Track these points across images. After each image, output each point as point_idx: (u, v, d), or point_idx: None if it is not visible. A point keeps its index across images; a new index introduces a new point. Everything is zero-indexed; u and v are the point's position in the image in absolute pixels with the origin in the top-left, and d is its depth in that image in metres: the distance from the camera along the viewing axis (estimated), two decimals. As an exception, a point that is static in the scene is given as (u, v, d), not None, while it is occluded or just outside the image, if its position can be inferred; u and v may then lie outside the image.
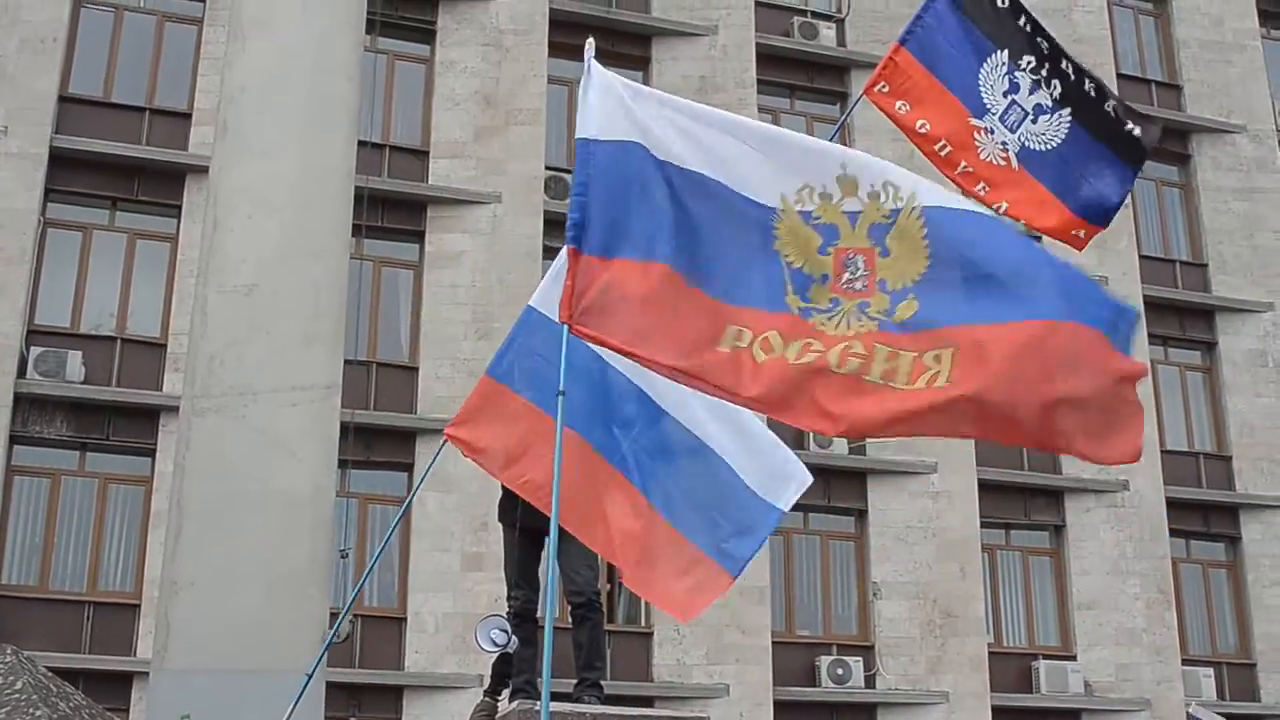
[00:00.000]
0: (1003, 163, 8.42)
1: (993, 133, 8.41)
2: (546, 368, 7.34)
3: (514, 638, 6.98)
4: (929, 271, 6.46)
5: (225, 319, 8.86)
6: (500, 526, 8.18)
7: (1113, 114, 8.51)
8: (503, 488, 7.92)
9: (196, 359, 8.83)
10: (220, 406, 8.59)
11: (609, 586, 20.68)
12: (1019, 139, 8.39)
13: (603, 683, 7.46)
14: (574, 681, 7.44)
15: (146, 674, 19.65)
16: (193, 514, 8.59)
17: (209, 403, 8.61)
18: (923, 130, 8.28)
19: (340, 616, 7.72)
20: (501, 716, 6.83)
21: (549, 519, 7.49)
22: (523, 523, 7.77)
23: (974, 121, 8.41)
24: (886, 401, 6.22)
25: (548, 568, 7.24)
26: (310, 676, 7.61)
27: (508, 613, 7.70)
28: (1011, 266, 6.47)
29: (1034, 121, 8.40)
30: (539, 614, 7.77)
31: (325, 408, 8.61)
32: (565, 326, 6.19)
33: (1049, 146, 8.43)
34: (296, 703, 7.36)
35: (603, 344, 6.43)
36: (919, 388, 6.30)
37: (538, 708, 6.80)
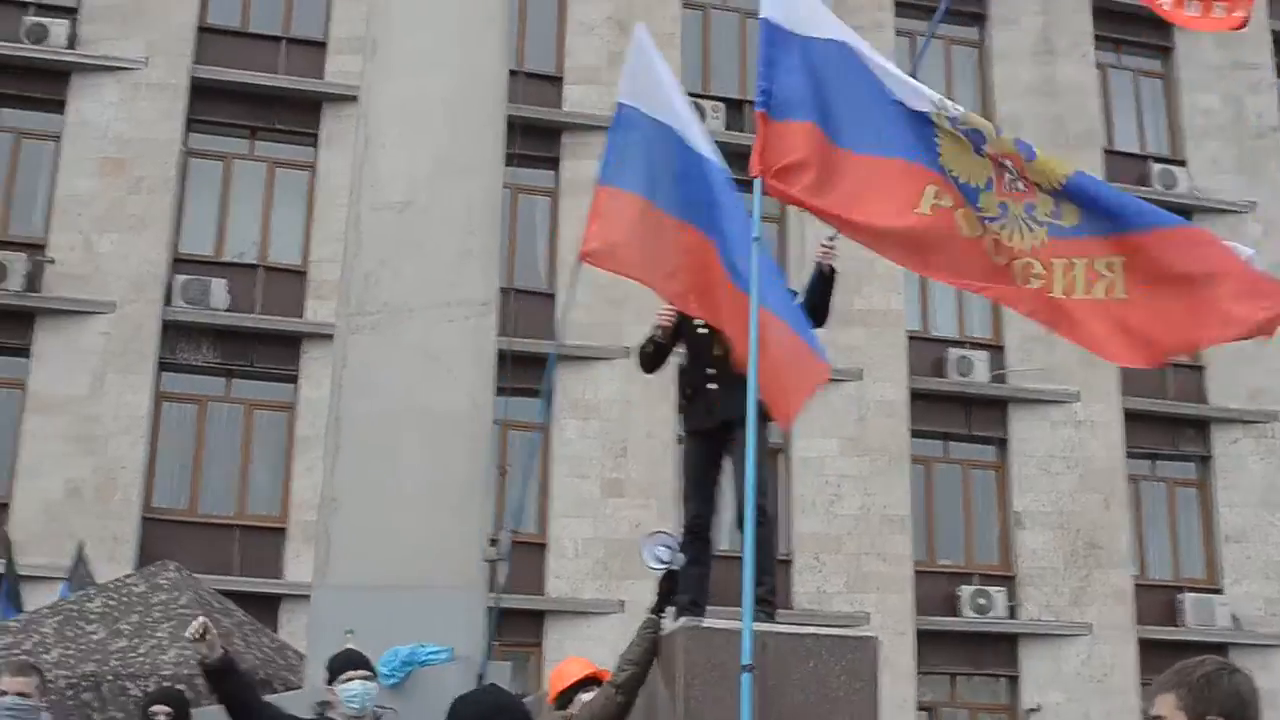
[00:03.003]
0: None
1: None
2: (657, 167, 7.64)
3: (679, 554, 6.87)
4: (1074, 177, 6.61)
5: (379, 236, 8.78)
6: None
7: None
8: (681, 392, 7.86)
9: (351, 276, 8.77)
10: (376, 324, 8.54)
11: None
12: None
13: (772, 597, 7.31)
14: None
15: (294, 595, 20.15)
16: (350, 431, 8.57)
17: (364, 320, 8.57)
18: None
19: (499, 533, 7.68)
20: (667, 633, 6.73)
21: (724, 418, 7.42)
22: (697, 425, 7.70)
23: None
24: (1074, 314, 6.27)
25: (738, 476, 7.16)
26: (498, 599, 7.67)
27: (683, 527, 7.62)
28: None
29: None
30: (712, 531, 7.67)
31: (482, 324, 8.51)
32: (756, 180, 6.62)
33: None
34: (492, 623, 7.45)
35: (799, 203, 6.85)
36: (1097, 296, 6.33)
37: (704, 624, 6.74)
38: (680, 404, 7.98)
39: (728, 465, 7.62)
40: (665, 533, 6.96)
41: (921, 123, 6.76)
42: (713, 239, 7.11)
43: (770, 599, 7.30)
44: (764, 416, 7.42)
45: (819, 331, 7.12)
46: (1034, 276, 6.51)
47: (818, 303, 7.62)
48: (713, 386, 7.60)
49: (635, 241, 7.72)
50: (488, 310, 8.52)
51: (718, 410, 7.53)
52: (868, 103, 6.79)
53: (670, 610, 6.91)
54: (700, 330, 7.65)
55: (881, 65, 6.90)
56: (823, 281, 7.63)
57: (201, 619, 6.63)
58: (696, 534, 7.57)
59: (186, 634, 6.67)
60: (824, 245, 7.57)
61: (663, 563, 6.75)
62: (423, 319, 8.47)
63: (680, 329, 7.74)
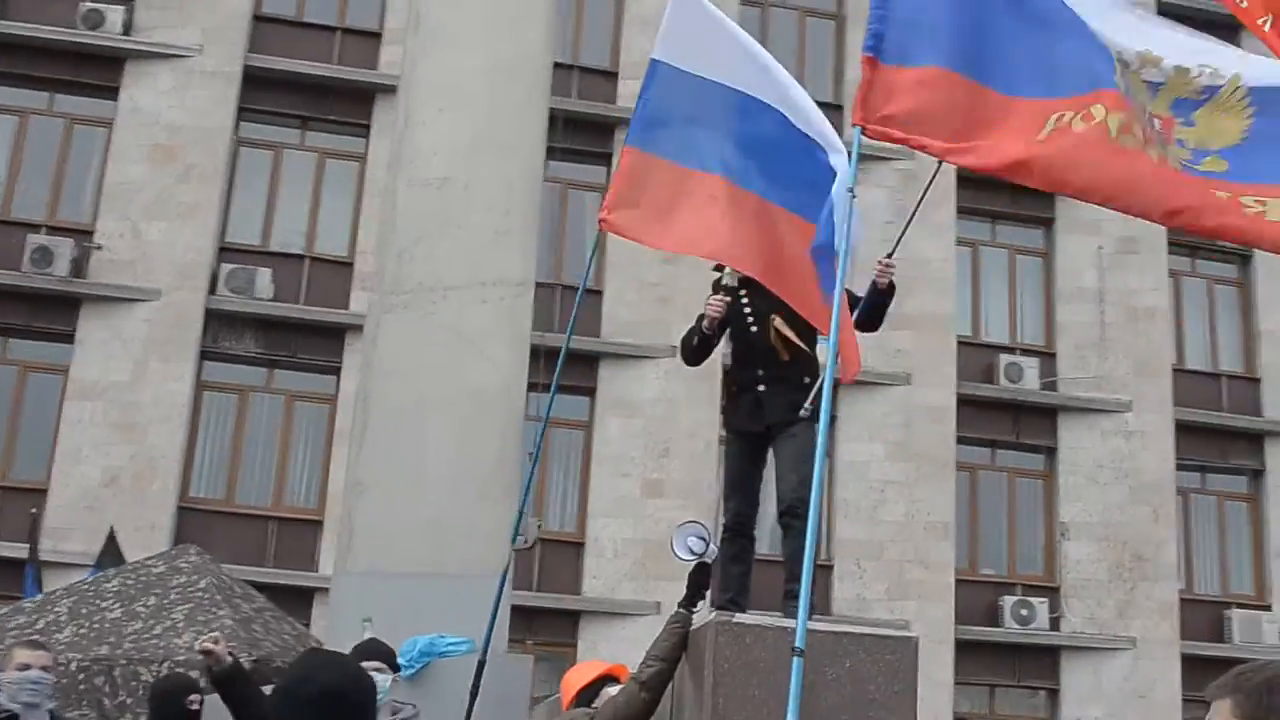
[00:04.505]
0: None
1: None
2: (694, 127, 7.30)
3: (712, 545, 6.63)
4: (1242, 144, 6.31)
5: (416, 213, 8.59)
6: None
7: None
8: (725, 390, 7.60)
9: (386, 254, 8.58)
10: (409, 303, 8.35)
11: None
12: None
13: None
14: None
15: (327, 589, 19.96)
16: (379, 413, 8.38)
17: (398, 299, 8.38)
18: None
19: (518, 521, 7.36)
20: (697, 628, 6.48)
21: (769, 422, 7.20)
22: (740, 426, 7.43)
23: None
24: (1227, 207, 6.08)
25: (780, 479, 6.94)
26: (505, 576, 7.36)
27: (723, 526, 7.34)
28: None
29: None
30: (753, 529, 7.41)
31: (518, 305, 8.30)
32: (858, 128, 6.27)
33: None
34: (497, 605, 7.15)
35: (903, 142, 6.52)
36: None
37: (736, 619, 6.49)
38: (723, 403, 7.69)
39: (768, 467, 7.38)
40: (698, 523, 6.71)
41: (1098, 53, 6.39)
42: (777, 202, 6.87)
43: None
44: (814, 417, 7.23)
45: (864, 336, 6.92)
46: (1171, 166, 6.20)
47: (871, 317, 7.39)
48: (761, 388, 7.36)
49: (668, 209, 7.34)
50: (524, 291, 8.31)
51: (764, 413, 7.31)
52: (1005, 35, 6.45)
53: (702, 605, 6.69)
54: (753, 328, 7.41)
55: None
56: (878, 297, 7.37)
57: (213, 634, 6.54)
58: (738, 531, 7.31)
59: (196, 647, 6.58)
60: (881, 263, 7.30)
61: (694, 554, 6.52)
62: (457, 299, 8.27)
63: (728, 321, 7.48)
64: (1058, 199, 25.17)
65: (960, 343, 24.21)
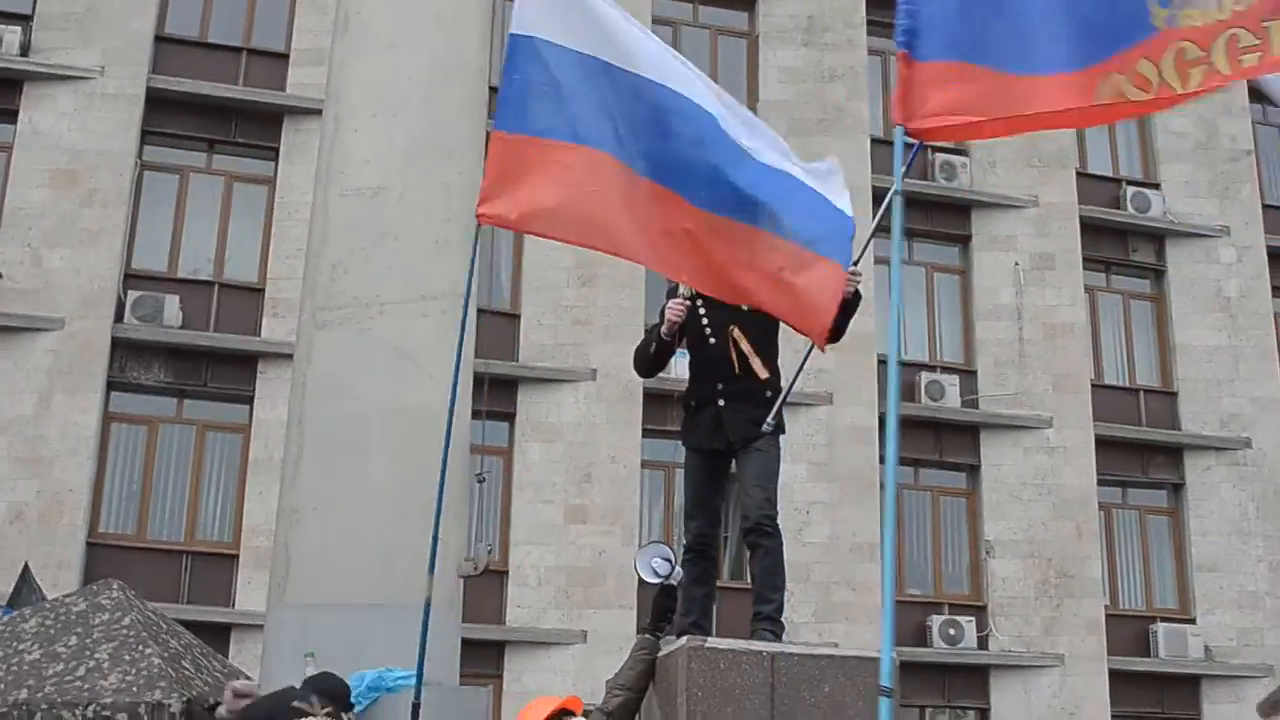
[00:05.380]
0: None
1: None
2: (569, 101, 6.74)
3: (677, 568, 6.30)
4: None
5: (348, 224, 8.14)
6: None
7: None
8: (684, 405, 7.22)
9: (318, 268, 8.12)
10: (344, 319, 7.90)
11: (725, 536, 20.05)
12: None
13: (780, 616, 6.73)
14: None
15: (245, 625, 19.48)
16: (314, 435, 7.92)
17: (332, 315, 7.93)
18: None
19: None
20: (666, 654, 6.14)
21: (730, 439, 6.88)
22: (699, 443, 7.09)
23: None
24: None
25: (734, 495, 6.62)
26: (428, 603, 6.87)
27: (684, 546, 6.99)
28: None
29: None
30: (715, 550, 7.06)
31: (459, 318, 7.87)
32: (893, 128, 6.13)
33: None
34: (424, 639, 6.70)
35: (947, 137, 6.69)
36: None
37: (709, 644, 6.15)
38: (683, 418, 7.31)
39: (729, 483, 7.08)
40: (661, 543, 6.40)
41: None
42: (666, 185, 6.51)
43: (777, 617, 6.73)
44: (779, 429, 6.94)
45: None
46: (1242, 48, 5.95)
47: (836, 325, 7.10)
48: (721, 403, 7.05)
49: (550, 190, 6.75)
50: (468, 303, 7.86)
51: (725, 430, 7.00)
52: (1039, 12, 6.16)
53: (666, 629, 6.35)
54: (710, 339, 7.08)
55: None
56: (843, 306, 7.09)
57: None
58: (700, 552, 6.97)
59: None
60: (848, 273, 7.03)
61: (659, 576, 6.21)
62: (395, 313, 7.83)
63: (683, 332, 7.14)
64: (973, 214, 25.20)
65: (881, 361, 24.04)
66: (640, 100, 6.68)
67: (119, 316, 21.35)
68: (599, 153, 6.74)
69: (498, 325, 22.51)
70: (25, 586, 14.02)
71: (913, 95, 6.09)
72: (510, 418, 22.28)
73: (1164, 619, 24.42)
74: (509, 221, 6.87)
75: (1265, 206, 26.77)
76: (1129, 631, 24.26)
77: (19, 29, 22.12)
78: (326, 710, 6.09)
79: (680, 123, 6.61)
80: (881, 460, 23.32)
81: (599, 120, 6.72)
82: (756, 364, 7.05)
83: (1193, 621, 24.46)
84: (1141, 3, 6.01)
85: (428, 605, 6.72)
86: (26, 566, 14.54)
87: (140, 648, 8.81)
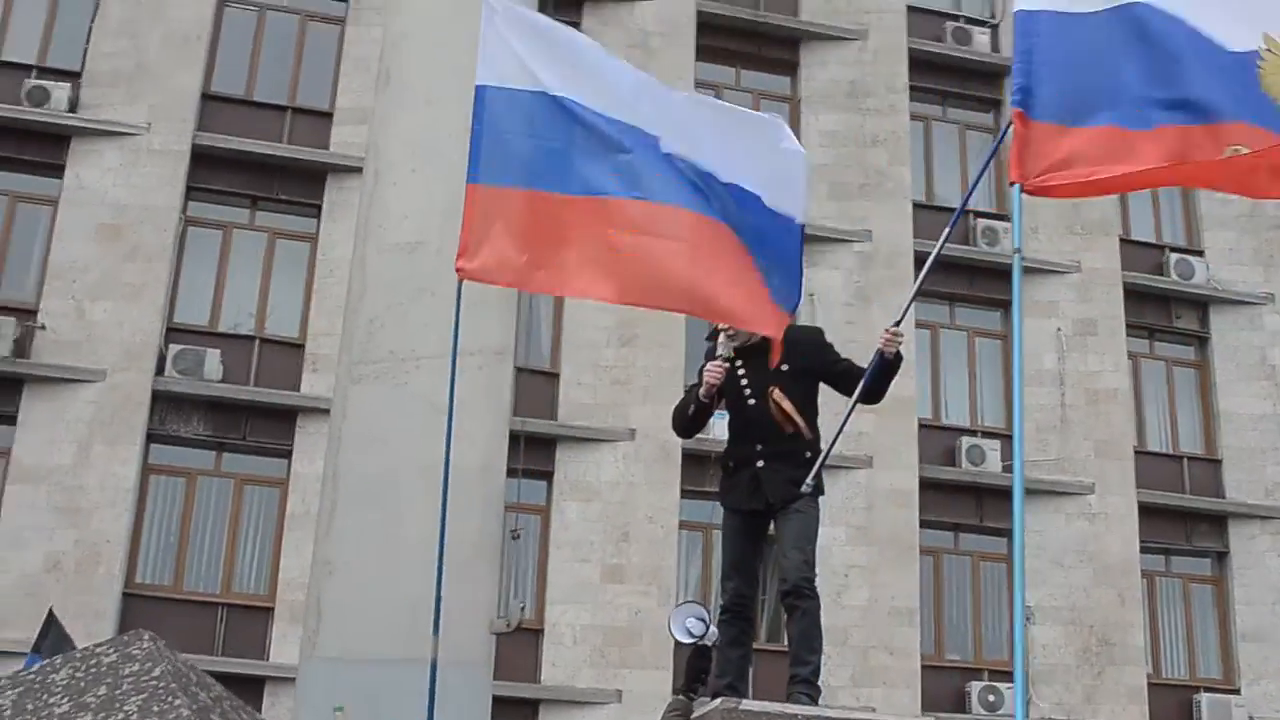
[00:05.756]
0: None
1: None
2: (544, 149, 6.85)
3: (712, 628, 6.23)
4: None
5: (386, 279, 8.16)
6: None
7: None
8: (723, 466, 7.18)
9: (355, 322, 8.14)
10: (380, 373, 7.91)
11: (763, 598, 19.91)
12: None
13: (816, 679, 6.64)
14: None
15: (279, 678, 19.44)
16: (349, 489, 7.91)
17: (368, 369, 7.94)
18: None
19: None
20: (699, 716, 6.06)
21: (769, 500, 6.84)
22: (738, 504, 7.05)
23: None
24: None
25: (772, 557, 6.56)
26: (434, 664, 6.79)
27: (721, 607, 6.91)
28: None
29: None
30: (753, 612, 6.98)
31: (497, 374, 7.86)
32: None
33: None
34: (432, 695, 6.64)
35: (1066, 195, 6.35)
36: None
37: (742, 706, 6.08)
38: (721, 479, 7.26)
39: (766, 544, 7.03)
40: (696, 602, 6.34)
41: (1240, 67, 6.12)
42: (649, 200, 6.54)
43: (814, 680, 6.63)
44: (818, 491, 6.90)
45: None
46: None
47: (877, 387, 7.07)
48: (760, 464, 7.02)
49: (531, 241, 6.85)
50: (504, 358, 7.88)
51: (764, 492, 6.97)
52: (1154, 68, 6.18)
53: (700, 691, 6.27)
54: (750, 400, 7.06)
55: (1195, 6, 6.19)
56: (885, 367, 7.05)
57: None
58: (737, 613, 6.88)
59: None
60: (889, 332, 6.99)
61: (693, 636, 6.15)
62: (431, 368, 7.81)
63: (722, 393, 7.11)
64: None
65: (922, 425, 23.95)
66: (600, 133, 6.79)
67: (160, 369, 21.48)
68: (571, 197, 6.83)
69: (537, 384, 22.52)
70: (52, 631, 14.02)
71: (1029, 153, 6.16)
72: (549, 476, 22.25)
73: (1208, 689, 24.06)
74: (490, 275, 6.98)
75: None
76: (1172, 701, 23.92)
77: (68, 85, 22.41)
78: None
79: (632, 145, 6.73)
80: (922, 525, 23.26)
81: (568, 162, 6.78)
82: (801, 423, 7.03)
83: (1237, 692, 24.10)
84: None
85: (434, 666, 6.68)
86: (51, 612, 14.54)
87: (170, 699, 8.69)
